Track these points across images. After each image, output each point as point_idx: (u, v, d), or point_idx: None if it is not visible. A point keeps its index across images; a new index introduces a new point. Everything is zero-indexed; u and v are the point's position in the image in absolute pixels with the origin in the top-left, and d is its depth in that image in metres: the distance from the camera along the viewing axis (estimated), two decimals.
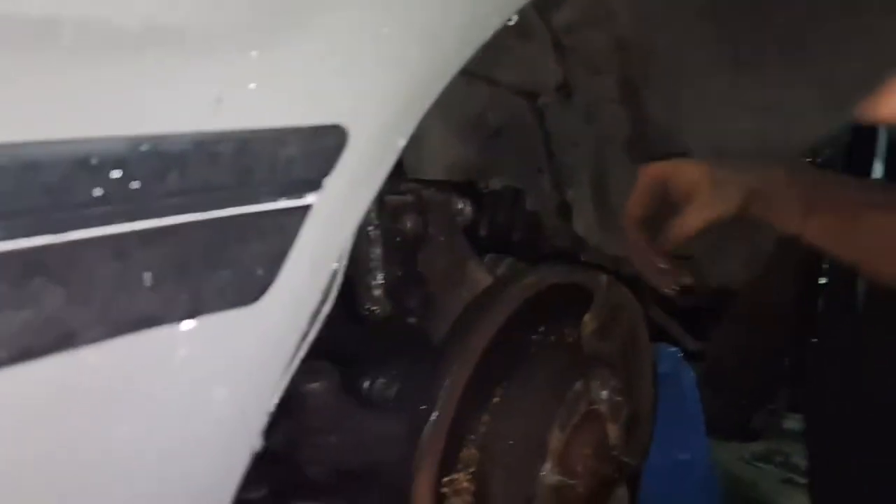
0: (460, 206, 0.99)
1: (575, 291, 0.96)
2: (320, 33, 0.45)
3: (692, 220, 0.89)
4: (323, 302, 0.49)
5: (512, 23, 0.57)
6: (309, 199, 0.45)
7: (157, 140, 0.38)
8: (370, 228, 0.97)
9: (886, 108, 0.58)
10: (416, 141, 1.24)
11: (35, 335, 0.35)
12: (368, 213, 0.95)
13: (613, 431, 0.92)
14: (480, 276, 0.95)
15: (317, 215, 0.45)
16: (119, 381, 0.40)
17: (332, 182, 0.46)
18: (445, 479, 0.82)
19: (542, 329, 0.94)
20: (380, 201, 0.96)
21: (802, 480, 2.24)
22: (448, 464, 0.82)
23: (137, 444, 0.41)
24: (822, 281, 1.84)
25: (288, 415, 0.84)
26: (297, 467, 0.86)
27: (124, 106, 0.38)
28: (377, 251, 0.95)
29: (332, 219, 0.47)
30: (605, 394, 0.91)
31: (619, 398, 0.92)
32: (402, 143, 0.50)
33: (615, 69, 1.24)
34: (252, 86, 0.42)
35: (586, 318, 0.96)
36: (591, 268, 0.95)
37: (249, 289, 0.43)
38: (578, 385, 0.89)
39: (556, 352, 0.93)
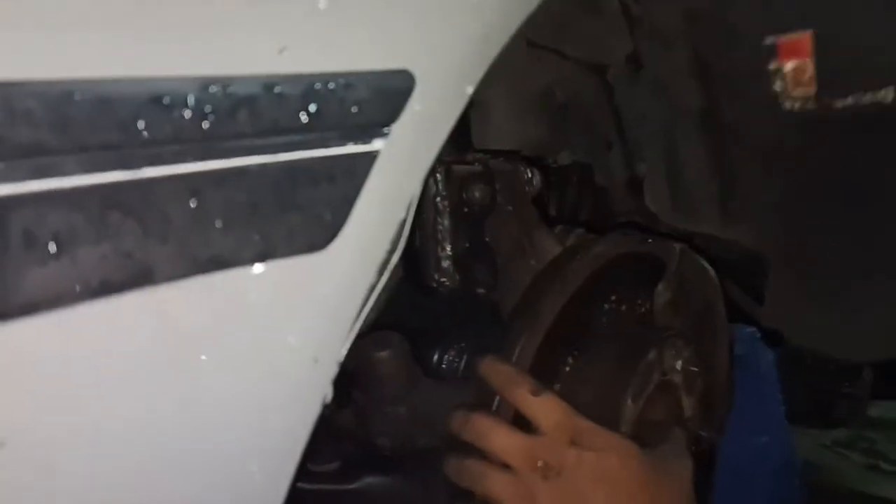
0: (529, 175, 0.98)
1: (647, 261, 0.94)
2: None
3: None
4: (391, 252, 0.49)
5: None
6: (376, 144, 0.45)
7: (226, 81, 0.38)
8: (438, 199, 0.96)
9: None
10: (483, 116, 1.24)
11: (113, 270, 0.36)
12: (437, 182, 0.96)
13: (688, 403, 0.90)
14: (550, 245, 0.94)
15: (384, 161, 0.45)
16: (194, 322, 0.40)
17: (400, 128, 0.45)
18: None
19: (613, 299, 0.92)
20: (447, 171, 0.96)
21: (889, 468, 2.15)
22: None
23: (212, 385, 0.42)
24: None
25: (358, 384, 0.85)
26: (367, 438, 0.86)
27: (195, 46, 0.38)
28: (445, 222, 0.95)
29: (399, 165, 0.47)
30: (679, 364, 0.89)
31: (693, 369, 0.89)
32: (469, 90, 0.50)
33: (686, 42, 1.21)
34: (319, 29, 0.42)
35: (659, 288, 0.93)
36: (664, 238, 0.92)
37: (318, 234, 0.43)
38: (652, 355, 0.87)
39: (628, 322, 0.92)
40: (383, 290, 0.90)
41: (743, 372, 1.60)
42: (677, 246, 0.93)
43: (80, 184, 0.34)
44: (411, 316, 0.85)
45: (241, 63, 0.39)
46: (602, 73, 1.33)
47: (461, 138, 1.00)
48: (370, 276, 0.47)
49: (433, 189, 0.96)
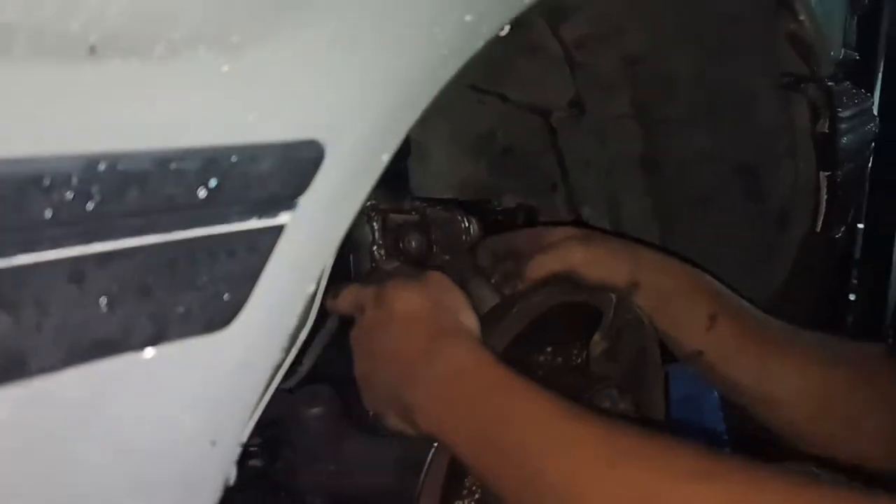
0: (466, 224, 0.97)
1: (583, 311, 0.93)
2: (295, 44, 0.43)
3: (534, 269, 0.86)
4: (300, 326, 0.47)
5: (504, 33, 0.55)
6: (282, 218, 0.43)
7: (114, 158, 0.36)
8: (375, 247, 0.95)
9: None
10: (424, 159, 1.23)
11: None
12: (373, 231, 0.95)
13: None
14: (486, 294, 0.93)
15: (291, 235, 0.43)
16: (78, 412, 0.38)
17: (308, 200, 0.44)
18: None
19: (548, 350, 0.91)
20: (384, 220, 0.94)
21: None
22: (452, 491, 0.79)
23: (101, 477, 0.39)
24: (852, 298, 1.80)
25: (287, 441, 0.83)
26: (298, 495, 0.84)
27: (81, 122, 0.36)
28: (387, 266, 0.94)
29: (307, 238, 0.45)
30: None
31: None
32: (385, 157, 0.48)
33: (627, 87, 1.22)
34: (221, 100, 0.41)
35: (595, 338, 0.93)
36: (600, 287, 0.91)
37: (217, 314, 0.41)
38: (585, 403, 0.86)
39: (563, 372, 0.90)
40: (321, 339, 0.88)
41: (687, 412, 1.60)
42: (613, 295, 0.93)
43: None
44: (344, 368, 0.83)
45: (133, 137, 0.37)
46: (545, 116, 1.33)
47: (399, 184, 0.99)
48: (276, 352, 0.45)
49: (370, 237, 0.94)
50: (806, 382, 0.82)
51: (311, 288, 0.46)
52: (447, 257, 0.95)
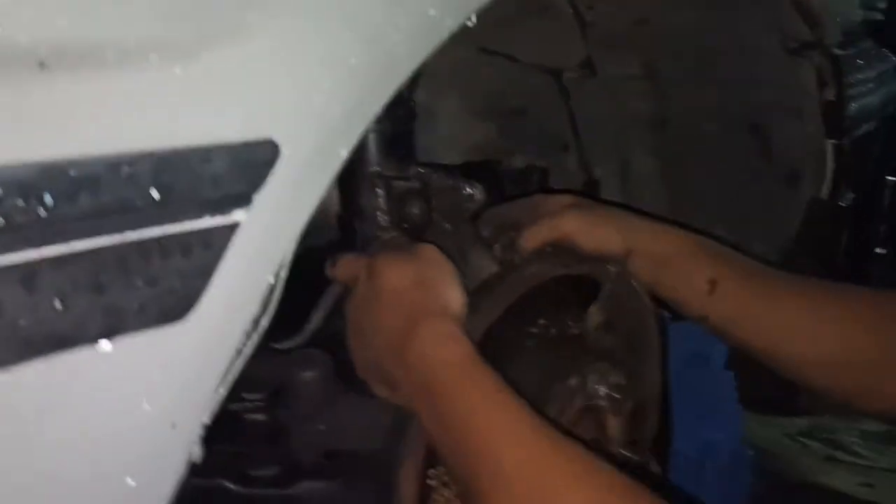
0: (468, 191, 0.98)
1: (580, 282, 0.94)
2: (249, 46, 0.44)
3: (532, 238, 0.88)
4: (261, 314, 0.49)
5: (471, 23, 0.55)
6: (236, 215, 0.45)
7: (65, 165, 0.38)
8: (379, 213, 0.97)
9: None
10: (432, 123, 1.24)
11: None
12: (377, 197, 0.96)
13: (614, 427, 0.90)
14: (485, 263, 0.94)
15: (246, 231, 0.45)
16: (39, 402, 0.40)
17: (263, 197, 0.45)
18: (432, 470, 0.82)
19: (542, 321, 0.92)
20: (387, 186, 0.96)
21: (845, 457, 2.18)
22: (435, 455, 0.82)
23: (66, 462, 0.42)
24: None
25: (281, 401, 0.86)
26: (288, 452, 0.87)
27: (35, 132, 0.38)
28: (385, 234, 0.96)
29: (264, 233, 0.47)
30: (604, 388, 0.90)
31: (618, 394, 0.90)
32: (344, 153, 0.49)
33: (637, 47, 1.21)
34: (174, 101, 0.42)
35: (592, 309, 0.94)
36: (597, 258, 0.92)
37: (173, 307, 0.44)
38: (573, 380, 0.88)
39: (556, 344, 0.92)
40: (326, 302, 0.91)
41: (696, 367, 1.61)
42: (612, 268, 0.93)
43: None
44: (338, 329, 0.85)
45: (84, 143, 0.39)
46: (556, 77, 1.32)
47: (405, 150, 1.00)
48: (235, 340, 0.48)
49: (373, 204, 0.96)
50: (821, 336, 0.82)
51: (269, 279, 0.48)
52: (448, 226, 0.96)
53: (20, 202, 0.37)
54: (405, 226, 0.96)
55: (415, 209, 0.96)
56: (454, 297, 0.74)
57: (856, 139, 1.12)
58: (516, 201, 0.99)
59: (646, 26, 1.15)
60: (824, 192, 1.09)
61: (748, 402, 1.75)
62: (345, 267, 0.81)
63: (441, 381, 0.65)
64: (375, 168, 0.95)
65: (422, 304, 0.70)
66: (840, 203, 1.11)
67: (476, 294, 0.88)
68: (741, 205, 1.15)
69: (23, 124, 0.38)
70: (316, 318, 0.92)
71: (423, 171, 0.99)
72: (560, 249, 0.91)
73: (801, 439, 2.29)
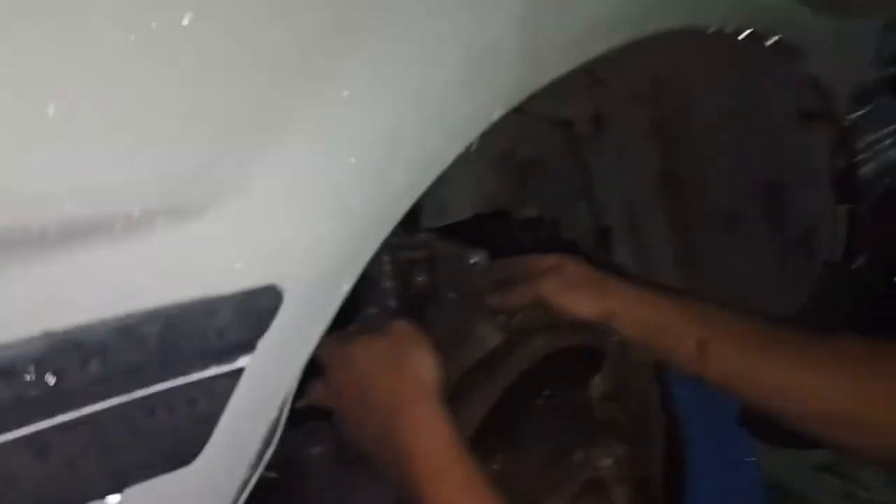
0: (473, 259, 0.99)
1: (585, 353, 0.95)
2: (252, 195, 0.45)
3: (512, 298, 0.89)
4: (265, 448, 0.50)
5: (473, 149, 0.56)
6: (241, 361, 0.46)
7: (72, 334, 0.40)
8: (384, 281, 0.98)
9: None
10: (441, 178, 1.25)
11: None
12: (383, 265, 0.97)
13: (619, 499, 0.92)
14: (490, 333, 0.95)
15: (250, 375, 0.47)
16: None
17: (267, 341, 0.47)
18: None
19: (547, 393, 0.93)
20: (393, 255, 0.97)
21: (864, 494, 2.16)
22: None
23: None
24: None
25: (287, 478, 0.87)
26: None
27: (38, 303, 0.39)
28: (390, 304, 0.97)
29: (267, 375, 0.48)
30: (609, 461, 0.91)
31: (623, 466, 0.91)
32: (346, 287, 0.51)
33: (648, 105, 1.21)
34: (179, 259, 0.44)
35: (596, 379, 0.95)
36: (602, 329, 0.93)
37: (180, 454, 0.45)
38: (579, 455, 0.89)
39: (561, 417, 0.93)
40: None
41: (710, 429, 1.60)
42: (614, 338, 0.94)
43: None
44: None
45: (92, 309, 0.41)
46: (567, 128, 1.33)
47: (411, 218, 1.01)
48: (241, 475, 0.49)
49: (379, 272, 0.97)
50: (813, 393, 0.81)
51: (274, 414, 0.50)
52: (453, 294, 0.97)
53: (30, 377, 0.38)
54: (410, 294, 0.97)
55: (419, 278, 0.97)
56: (428, 372, 0.74)
57: (877, 198, 1.12)
58: (513, 258, 0.99)
59: (659, 85, 1.16)
60: (837, 256, 1.09)
61: (768, 434, 1.74)
62: (315, 395, 0.80)
63: (422, 471, 0.67)
64: None
65: (397, 390, 0.72)
66: (854, 267, 1.11)
67: (481, 367, 0.89)
68: (752, 267, 1.16)
69: (31, 299, 0.39)
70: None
71: (428, 239, 1.00)
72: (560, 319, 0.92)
73: (821, 474, 2.26)
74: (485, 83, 0.57)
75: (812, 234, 1.14)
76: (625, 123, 1.27)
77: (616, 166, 1.31)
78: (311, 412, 0.89)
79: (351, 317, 0.92)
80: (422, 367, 0.74)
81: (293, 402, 0.88)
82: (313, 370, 0.88)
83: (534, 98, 1.28)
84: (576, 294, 0.88)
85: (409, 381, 0.73)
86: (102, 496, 0.42)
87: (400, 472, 0.69)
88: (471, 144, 0.56)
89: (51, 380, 0.39)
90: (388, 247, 0.96)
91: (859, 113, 1.07)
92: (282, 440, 0.85)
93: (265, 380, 0.48)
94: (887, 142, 1.17)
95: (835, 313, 1.15)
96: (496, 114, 0.57)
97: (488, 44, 0.57)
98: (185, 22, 0.41)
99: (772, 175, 1.15)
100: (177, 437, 0.44)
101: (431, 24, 0.53)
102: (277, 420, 0.50)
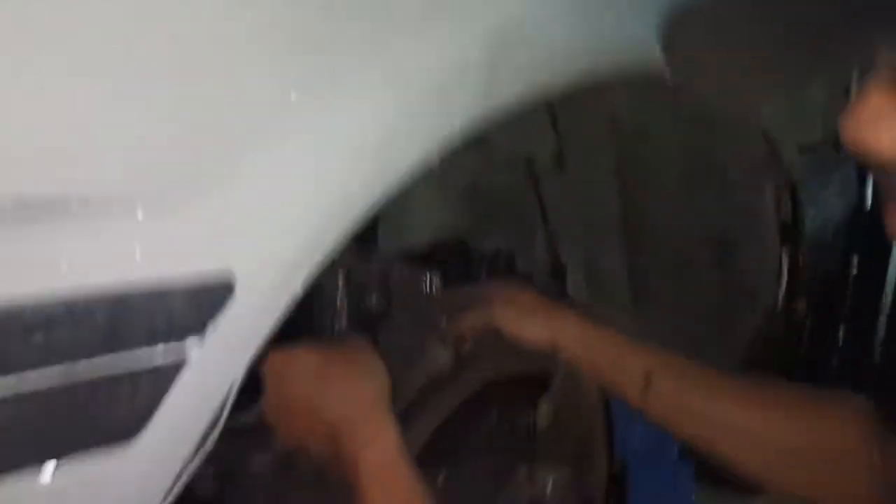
0: (427, 283, 1.00)
1: (533, 379, 0.97)
2: (212, 190, 0.47)
3: (465, 323, 0.92)
4: (206, 437, 0.51)
5: (436, 167, 0.58)
6: (189, 344, 0.47)
7: (17, 308, 0.41)
8: (338, 300, 0.99)
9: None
10: (404, 207, 1.27)
11: None
12: (336, 285, 0.98)
13: None
14: (439, 356, 0.97)
15: (197, 359, 0.47)
16: None
17: (216, 328, 0.48)
18: None
19: (494, 414, 0.95)
20: (347, 276, 0.98)
21: None
22: None
23: None
24: None
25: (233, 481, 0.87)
26: None
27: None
28: (342, 322, 0.98)
29: (215, 362, 0.49)
30: (550, 483, 0.92)
31: (565, 489, 0.92)
32: (299, 287, 0.52)
33: (609, 146, 1.25)
34: (135, 243, 0.45)
35: (542, 405, 0.97)
36: (551, 357, 0.95)
37: (122, 429, 0.46)
38: (522, 473, 0.90)
39: (507, 438, 0.95)
40: None
41: (652, 459, 1.62)
42: (562, 364, 0.96)
43: None
44: None
45: (40, 283, 0.42)
46: (528, 164, 1.36)
47: (366, 238, 1.02)
48: (183, 457, 0.50)
49: (333, 291, 0.98)
50: (753, 436, 0.83)
51: (220, 398, 0.50)
52: (405, 316, 0.99)
53: None
54: (363, 313, 0.98)
55: (373, 300, 0.98)
56: (379, 384, 0.76)
57: (817, 245, 1.16)
58: (467, 287, 1.02)
59: (618, 125, 1.20)
60: (779, 303, 1.13)
61: (709, 477, 1.76)
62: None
63: (365, 482, 0.69)
64: (337, 256, 0.98)
65: (347, 399, 0.74)
66: (795, 312, 1.15)
67: (430, 387, 0.91)
68: (699, 311, 1.19)
69: None
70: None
71: (384, 261, 1.02)
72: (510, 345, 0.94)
73: None
74: (448, 106, 0.60)
75: (756, 285, 1.18)
76: (585, 163, 1.30)
77: (576, 204, 1.34)
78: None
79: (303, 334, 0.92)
80: (373, 379, 0.75)
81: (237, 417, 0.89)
82: (255, 388, 0.89)
83: (498, 133, 1.32)
84: (525, 320, 0.90)
85: (359, 392, 0.74)
86: (39, 462, 0.43)
87: (346, 479, 0.70)
88: (431, 165, 0.58)
89: None
90: (343, 265, 0.98)
91: (805, 165, 1.11)
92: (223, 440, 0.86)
93: (212, 365, 0.49)
94: (831, 189, 1.23)
95: (776, 359, 1.19)
96: (454, 138, 0.60)
97: (453, 69, 0.59)
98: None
99: (722, 228, 1.20)
100: (118, 413, 0.45)
101: (405, 44, 0.55)
102: (221, 409, 0.51)
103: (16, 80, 0.40)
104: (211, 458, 0.89)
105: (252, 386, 0.87)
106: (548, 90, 0.70)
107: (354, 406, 0.73)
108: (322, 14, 0.51)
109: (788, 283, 1.10)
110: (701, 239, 1.19)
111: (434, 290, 1.01)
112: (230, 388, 0.51)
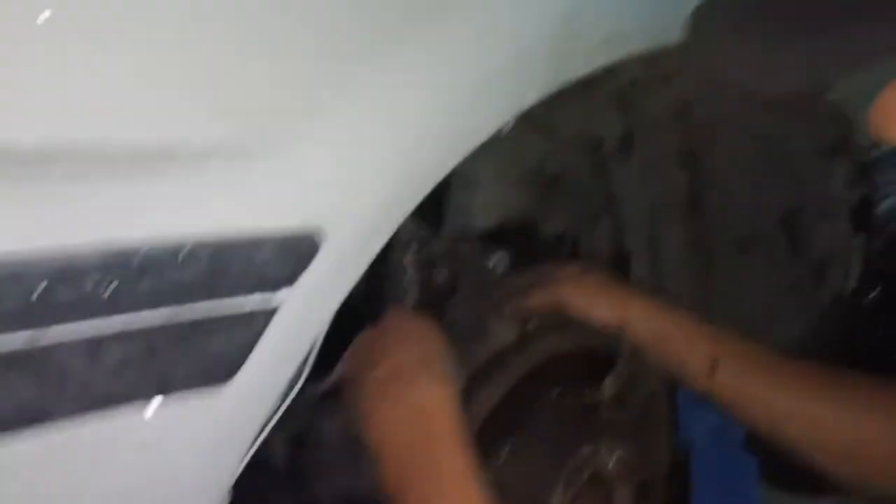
0: (493, 262, 1.03)
1: (597, 355, 0.98)
2: (300, 147, 0.50)
3: (532, 301, 0.93)
4: (293, 383, 0.54)
5: (506, 130, 0.60)
6: (281, 294, 0.50)
7: (131, 252, 0.44)
8: (406, 276, 1.02)
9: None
10: (471, 189, 1.29)
11: (9, 412, 0.42)
12: (405, 261, 1.01)
13: (621, 499, 0.94)
14: (503, 331, 0.99)
15: (288, 308, 0.51)
16: (92, 451, 0.46)
17: (303, 282, 0.51)
18: None
19: (558, 389, 0.96)
20: (417, 251, 1.01)
21: None
22: None
23: None
24: None
25: (303, 450, 0.91)
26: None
27: (106, 219, 0.44)
28: (410, 299, 1.01)
29: (302, 313, 0.52)
30: (613, 459, 0.93)
31: (628, 466, 0.93)
32: (377, 247, 0.55)
33: (676, 129, 1.25)
34: (235, 195, 0.48)
35: (606, 382, 0.98)
36: (617, 335, 0.96)
37: (218, 370, 0.49)
38: (587, 449, 0.92)
39: (571, 413, 0.96)
40: None
41: (718, 445, 1.62)
42: (628, 342, 0.97)
43: None
44: None
45: (154, 229, 0.45)
46: (595, 149, 1.37)
47: (436, 217, 1.05)
48: (268, 406, 0.53)
49: (403, 267, 1.01)
50: (821, 422, 0.83)
51: (304, 352, 0.53)
52: (472, 293, 1.01)
53: (91, 282, 0.43)
54: (430, 289, 1.01)
55: (441, 276, 1.01)
56: (445, 368, 0.77)
57: (887, 236, 1.15)
58: (535, 268, 1.03)
59: (687, 111, 1.20)
60: (849, 288, 1.11)
61: (773, 478, 1.74)
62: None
63: (419, 457, 0.70)
64: (408, 232, 1.01)
65: (416, 378, 0.74)
66: (865, 299, 1.14)
67: (493, 361, 0.93)
68: (766, 293, 1.18)
69: (100, 215, 0.43)
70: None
71: (452, 239, 1.04)
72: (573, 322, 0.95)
73: None
74: (521, 72, 0.62)
75: (827, 264, 1.16)
76: (652, 145, 1.30)
77: (642, 188, 1.34)
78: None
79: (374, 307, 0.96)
80: (425, 343, 0.77)
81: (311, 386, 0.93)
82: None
83: (565, 117, 1.33)
84: (594, 300, 0.92)
85: (427, 372, 0.76)
86: (146, 398, 0.46)
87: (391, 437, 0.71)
88: (501, 130, 0.60)
89: (109, 287, 0.43)
90: (413, 242, 1.01)
91: (882, 149, 1.10)
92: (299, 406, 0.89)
93: (300, 315, 0.52)
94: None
95: (844, 344, 1.18)
96: (527, 102, 0.61)
97: (529, 39, 0.61)
98: None
99: (790, 207, 1.18)
100: (216, 355, 0.48)
101: (484, 16, 0.57)
102: (305, 360, 0.54)
103: (133, 42, 0.43)
104: (284, 424, 0.94)
105: (324, 357, 0.91)
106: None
107: (406, 360, 0.75)
108: None
109: (858, 266, 1.08)
110: (768, 216, 1.18)
111: (500, 267, 1.03)
112: (315, 340, 0.54)
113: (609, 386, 0.98)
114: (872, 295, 1.14)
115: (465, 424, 0.72)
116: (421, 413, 0.71)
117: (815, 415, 0.84)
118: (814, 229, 1.15)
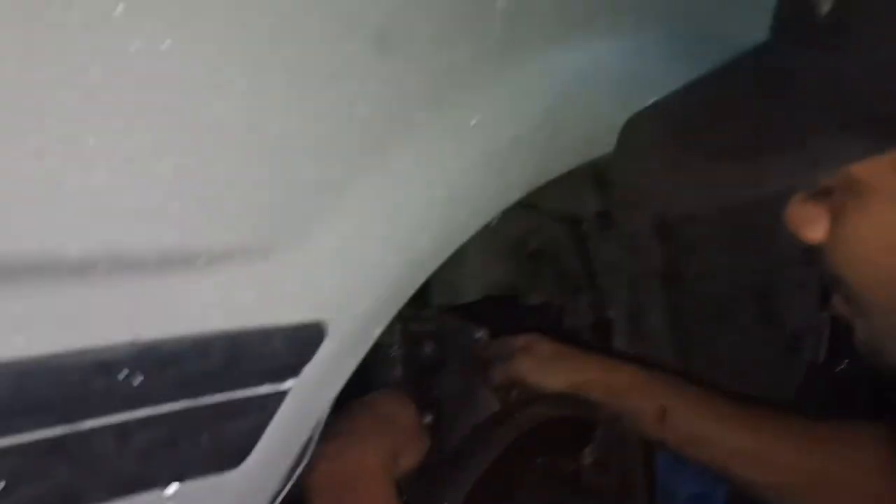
0: (477, 335, 1.08)
1: (577, 424, 1.02)
2: (311, 247, 0.55)
3: (498, 373, 0.97)
4: (297, 464, 0.58)
5: (493, 224, 0.66)
6: (288, 383, 0.55)
7: (159, 344, 0.48)
8: (392, 350, 1.06)
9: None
10: (455, 263, 1.34)
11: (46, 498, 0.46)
12: (393, 336, 1.06)
13: None
14: (487, 403, 1.03)
15: (294, 396, 0.55)
16: None
17: (310, 369, 0.55)
18: None
19: (539, 459, 1.00)
20: (403, 328, 1.06)
21: None
22: None
23: None
24: None
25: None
26: None
27: (136, 317, 0.48)
28: (397, 372, 1.05)
29: (307, 398, 0.56)
30: None
31: None
32: (377, 333, 0.60)
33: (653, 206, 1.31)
34: (247, 292, 0.53)
35: (586, 450, 1.02)
36: (595, 403, 1.00)
37: (230, 457, 0.53)
38: None
39: (553, 483, 1.00)
40: None
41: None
42: (607, 412, 1.02)
43: (30, 439, 0.44)
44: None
45: (175, 326, 0.50)
46: (575, 224, 1.43)
47: (419, 293, 1.09)
48: (275, 485, 0.57)
49: (390, 341, 1.05)
50: (769, 461, 0.86)
51: (307, 434, 0.58)
52: (457, 365, 1.06)
53: (122, 375, 0.47)
54: (417, 363, 1.06)
55: (428, 350, 1.06)
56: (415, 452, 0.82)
57: None
58: (496, 341, 1.07)
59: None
60: (821, 358, 1.17)
61: None
62: None
63: None
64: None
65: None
66: (836, 368, 1.18)
67: (479, 432, 0.97)
68: (743, 363, 1.23)
69: (129, 312, 0.48)
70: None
71: (438, 314, 1.09)
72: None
73: None
74: (509, 168, 0.68)
75: (799, 338, 1.22)
76: (630, 223, 1.37)
77: (620, 261, 1.40)
78: None
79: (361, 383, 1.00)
80: (384, 441, 0.79)
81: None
82: None
83: (546, 195, 1.39)
84: (546, 369, 0.97)
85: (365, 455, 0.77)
86: (166, 484, 0.50)
87: None
88: (490, 221, 0.65)
89: (137, 379, 0.48)
90: (399, 318, 1.05)
91: None
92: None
93: (305, 402, 0.56)
94: None
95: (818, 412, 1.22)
96: (515, 196, 0.67)
97: (516, 137, 0.68)
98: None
99: (766, 281, 1.24)
100: (230, 442, 0.52)
101: (467, 112, 0.63)
102: (309, 441, 0.58)
103: (164, 153, 0.48)
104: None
105: None
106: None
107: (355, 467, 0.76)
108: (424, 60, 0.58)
109: (831, 338, 1.14)
110: (745, 289, 1.24)
111: (482, 341, 1.07)
112: (318, 422, 0.58)
113: (589, 453, 1.03)
114: (840, 367, 1.20)
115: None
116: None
117: (756, 450, 0.87)
118: (788, 301, 1.20)
